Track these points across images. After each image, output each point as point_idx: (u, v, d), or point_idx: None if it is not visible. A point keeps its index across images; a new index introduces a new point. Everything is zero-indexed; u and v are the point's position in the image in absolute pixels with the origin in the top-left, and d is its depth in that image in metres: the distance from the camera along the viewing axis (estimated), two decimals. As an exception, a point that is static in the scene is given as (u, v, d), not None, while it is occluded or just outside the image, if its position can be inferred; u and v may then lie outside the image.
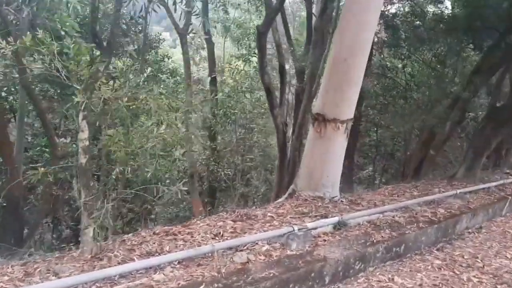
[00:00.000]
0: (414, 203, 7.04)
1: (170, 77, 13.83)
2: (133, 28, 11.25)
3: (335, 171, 6.16)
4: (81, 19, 10.54)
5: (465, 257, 4.96)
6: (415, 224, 5.97)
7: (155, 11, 8.11)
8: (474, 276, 4.34)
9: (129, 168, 4.32)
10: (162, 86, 12.94)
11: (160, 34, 14.19)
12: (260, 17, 14.73)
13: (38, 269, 3.67)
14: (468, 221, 7.06)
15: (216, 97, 10.13)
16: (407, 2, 11.06)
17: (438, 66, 11.46)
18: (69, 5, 4.83)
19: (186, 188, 4.94)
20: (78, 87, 3.74)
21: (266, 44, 9.03)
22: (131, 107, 4.00)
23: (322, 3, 10.14)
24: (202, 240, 4.49)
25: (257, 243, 4.53)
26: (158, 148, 4.48)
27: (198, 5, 9.15)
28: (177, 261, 3.91)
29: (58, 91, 10.84)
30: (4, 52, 3.69)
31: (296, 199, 6.06)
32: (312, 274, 4.20)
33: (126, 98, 3.92)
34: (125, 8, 12.06)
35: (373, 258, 5.08)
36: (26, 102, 10.06)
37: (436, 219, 6.40)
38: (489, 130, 8.69)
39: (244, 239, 4.50)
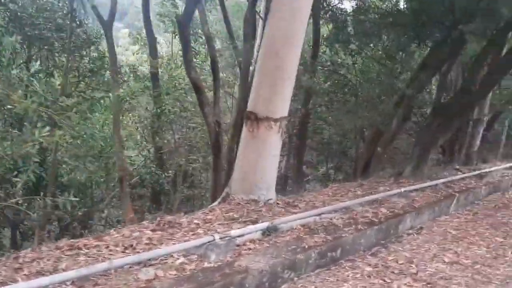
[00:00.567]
0: (356, 203, 6.78)
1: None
2: (68, 23, 10.53)
3: (270, 172, 5.79)
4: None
5: (399, 262, 4.68)
6: (354, 226, 5.68)
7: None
8: (406, 284, 4.04)
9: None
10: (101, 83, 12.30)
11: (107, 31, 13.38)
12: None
13: None
14: (413, 221, 6.86)
15: (154, 94, 9.61)
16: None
17: (388, 62, 11.34)
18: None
19: (77, 199, 4.42)
20: None
21: (189, 36, 8.55)
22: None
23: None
24: (110, 254, 4.00)
25: (172, 256, 4.08)
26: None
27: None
28: (70, 281, 3.41)
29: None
30: None
31: (228, 204, 5.65)
32: (230, 288, 3.80)
33: None
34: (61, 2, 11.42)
35: (305, 265, 4.73)
36: None
37: (377, 220, 6.14)
38: (436, 126, 8.56)
39: (158, 251, 4.04)
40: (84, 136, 8.24)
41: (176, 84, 10.83)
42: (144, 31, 13.55)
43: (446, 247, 5.16)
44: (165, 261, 3.95)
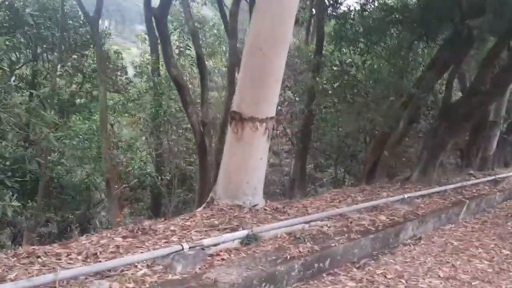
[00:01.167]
0: (353, 210, 6.39)
1: (122, 74, 12.99)
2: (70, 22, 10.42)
3: (257, 176, 5.44)
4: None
5: (388, 276, 4.27)
6: (346, 235, 5.30)
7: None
8: (389, 303, 3.65)
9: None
10: (110, 83, 12.17)
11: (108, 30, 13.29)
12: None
13: None
14: (415, 229, 6.42)
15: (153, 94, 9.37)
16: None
17: (396, 61, 10.83)
18: None
19: (18, 204, 4.15)
20: None
21: (167, 31, 8.21)
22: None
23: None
24: (69, 263, 3.73)
25: (135, 266, 3.78)
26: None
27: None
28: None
29: None
30: None
31: (211, 209, 5.34)
32: (194, 304, 3.48)
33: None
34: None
35: (287, 277, 4.38)
36: None
37: (374, 228, 5.74)
38: (443, 130, 8.07)
39: (120, 261, 3.74)
40: (80, 136, 8.06)
41: (171, 83, 10.58)
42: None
43: (443, 260, 4.72)
44: (126, 272, 3.65)
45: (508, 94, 11.49)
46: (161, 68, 12.00)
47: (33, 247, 4.02)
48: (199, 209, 5.59)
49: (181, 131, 12.21)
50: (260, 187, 5.51)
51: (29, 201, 9.01)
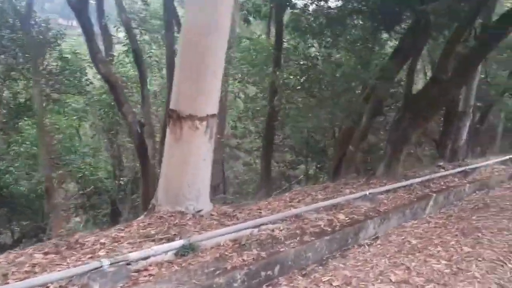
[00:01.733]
0: (311, 210, 6.04)
1: (82, 76, 12.37)
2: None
3: (200, 179, 5.03)
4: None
5: (334, 283, 3.90)
6: (299, 238, 4.95)
7: None
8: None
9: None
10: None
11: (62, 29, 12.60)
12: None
13: None
14: (377, 227, 6.10)
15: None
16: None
17: (363, 53, 10.53)
18: None
19: None
20: None
21: (89, 24, 7.66)
22: None
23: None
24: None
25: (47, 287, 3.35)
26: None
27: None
28: None
29: None
30: None
31: (150, 217, 4.91)
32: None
33: None
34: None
35: (228, 289, 4.00)
36: None
37: (330, 228, 5.40)
38: (407, 122, 7.78)
39: (31, 282, 3.31)
40: (27, 143, 7.53)
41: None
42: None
43: (398, 262, 4.38)
44: (33, 295, 3.21)
45: (476, 83, 11.34)
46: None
47: None
48: (141, 217, 5.16)
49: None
50: (205, 190, 5.11)
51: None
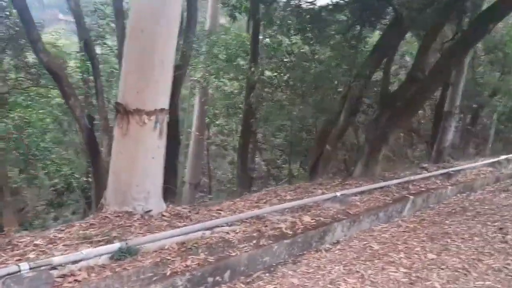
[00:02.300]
0: (275, 211, 5.76)
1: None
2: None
3: (149, 178, 4.73)
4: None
5: (278, 293, 3.62)
6: (255, 241, 4.66)
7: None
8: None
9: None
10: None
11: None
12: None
13: None
14: (346, 230, 5.83)
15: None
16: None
17: (351, 50, 10.23)
18: None
19: None
20: None
21: (27, 10, 7.26)
22: None
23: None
24: None
25: (-46, 295, 3.06)
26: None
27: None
28: None
29: None
30: None
31: (95, 218, 4.63)
32: None
33: None
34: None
35: (167, 297, 3.72)
36: None
37: (292, 232, 5.12)
38: (385, 122, 7.49)
39: None
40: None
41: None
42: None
43: (353, 269, 4.09)
44: None
45: (462, 83, 11.06)
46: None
47: None
48: (90, 217, 4.87)
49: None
50: (155, 190, 4.81)
51: None
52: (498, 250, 4.91)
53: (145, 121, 4.44)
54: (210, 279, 4.07)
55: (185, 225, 4.71)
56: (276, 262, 4.67)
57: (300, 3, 9.36)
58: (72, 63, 12.27)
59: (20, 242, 4.05)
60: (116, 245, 3.84)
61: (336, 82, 9.77)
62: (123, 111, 4.47)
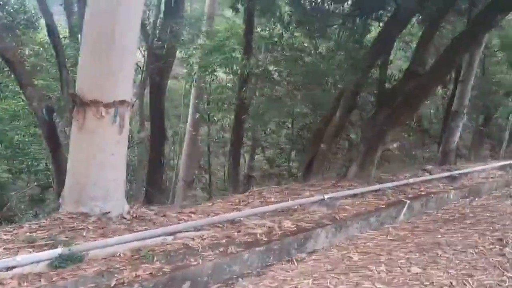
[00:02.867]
0: (254, 214, 5.37)
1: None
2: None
3: (109, 176, 4.35)
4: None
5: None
6: (222, 248, 4.27)
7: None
8: None
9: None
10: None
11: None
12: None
13: None
14: (331, 237, 5.39)
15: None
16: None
17: (355, 45, 9.72)
18: None
19: None
20: None
21: None
22: None
23: None
24: None
25: None
26: None
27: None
28: None
29: None
30: None
31: (47, 219, 4.28)
32: None
33: None
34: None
35: (111, 310, 3.34)
36: None
37: (267, 238, 4.71)
38: (382, 119, 7.00)
39: None
40: None
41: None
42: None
43: (323, 284, 3.64)
44: None
45: (471, 81, 10.47)
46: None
47: None
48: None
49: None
50: (116, 189, 4.43)
51: None
52: (493, 265, 4.41)
53: (103, 114, 4.06)
54: (165, 291, 3.68)
55: (146, 229, 4.33)
56: (246, 272, 4.27)
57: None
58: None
59: (-40, 244, 3.72)
60: (57, 251, 3.47)
61: (330, 77, 9.26)
62: (79, 103, 4.09)
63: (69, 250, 3.50)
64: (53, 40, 7.30)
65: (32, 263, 3.35)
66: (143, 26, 8.98)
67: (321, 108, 7.37)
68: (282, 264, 4.20)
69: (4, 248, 3.64)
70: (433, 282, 3.85)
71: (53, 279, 3.27)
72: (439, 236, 5.28)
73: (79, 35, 7.87)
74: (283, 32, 9.29)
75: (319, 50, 9.43)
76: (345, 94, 7.39)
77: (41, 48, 10.60)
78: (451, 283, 3.85)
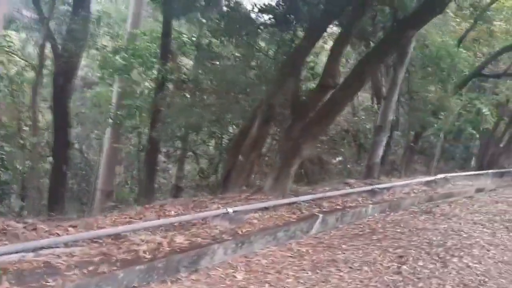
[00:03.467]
0: (144, 228, 4.95)
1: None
2: None
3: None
4: None
5: None
6: (92, 267, 3.81)
7: None
8: None
9: None
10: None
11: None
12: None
13: None
14: (231, 253, 5.06)
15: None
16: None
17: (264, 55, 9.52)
18: None
19: None
20: None
21: None
22: None
23: None
24: None
25: None
26: None
27: None
28: None
29: None
30: None
31: None
32: None
33: None
34: None
35: None
36: None
37: (152, 255, 4.30)
38: (297, 132, 6.81)
39: None
40: None
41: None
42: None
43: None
44: None
45: (395, 96, 10.61)
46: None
47: None
48: None
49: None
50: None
51: None
52: (387, 284, 4.26)
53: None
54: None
55: (4, 244, 3.81)
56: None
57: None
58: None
59: None
60: None
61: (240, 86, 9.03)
62: None
63: None
64: None
65: None
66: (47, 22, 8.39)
67: (234, 118, 7.09)
68: (161, 284, 3.79)
69: None
70: (314, 304, 3.61)
71: None
72: (339, 252, 5.11)
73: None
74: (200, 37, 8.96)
75: (232, 57, 9.14)
76: (264, 104, 7.17)
77: None
78: (335, 304, 3.63)
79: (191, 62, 10.24)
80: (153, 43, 9.43)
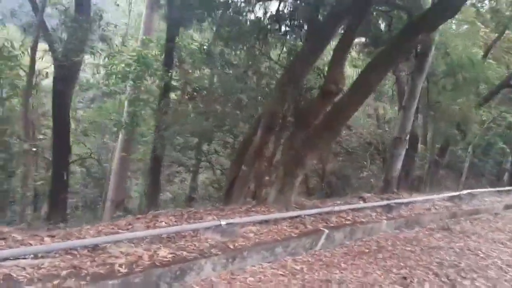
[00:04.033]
0: (128, 239, 4.67)
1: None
2: None
3: None
4: None
5: None
6: (57, 281, 3.58)
7: None
8: None
9: None
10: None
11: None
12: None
13: None
14: (220, 268, 4.73)
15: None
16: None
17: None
18: None
19: None
20: None
21: None
22: None
23: None
24: None
25: None
26: None
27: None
28: None
29: None
30: None
31: None
32: None
33: None
34: None
35: None
36: None
37: (127, 269, 4.01)
38: (300, 143, 6.42)
39: None
40: None
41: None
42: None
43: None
44: None
45: (414, 107, 10.09)
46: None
47: None
48: None
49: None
50: None
51: None
52: (382, 309, 3.80)
53: None
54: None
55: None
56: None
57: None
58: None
59: None
60: None
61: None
62: None
63: None
64: None
65: None
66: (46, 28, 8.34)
67: (236, 128, 6.80)
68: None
69: None
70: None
71: None
72: (337, 271, 4.68)
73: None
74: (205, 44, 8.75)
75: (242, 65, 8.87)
76: (267, 111, 6.84)
77: None
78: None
79: (202, 71, 10.01)
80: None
